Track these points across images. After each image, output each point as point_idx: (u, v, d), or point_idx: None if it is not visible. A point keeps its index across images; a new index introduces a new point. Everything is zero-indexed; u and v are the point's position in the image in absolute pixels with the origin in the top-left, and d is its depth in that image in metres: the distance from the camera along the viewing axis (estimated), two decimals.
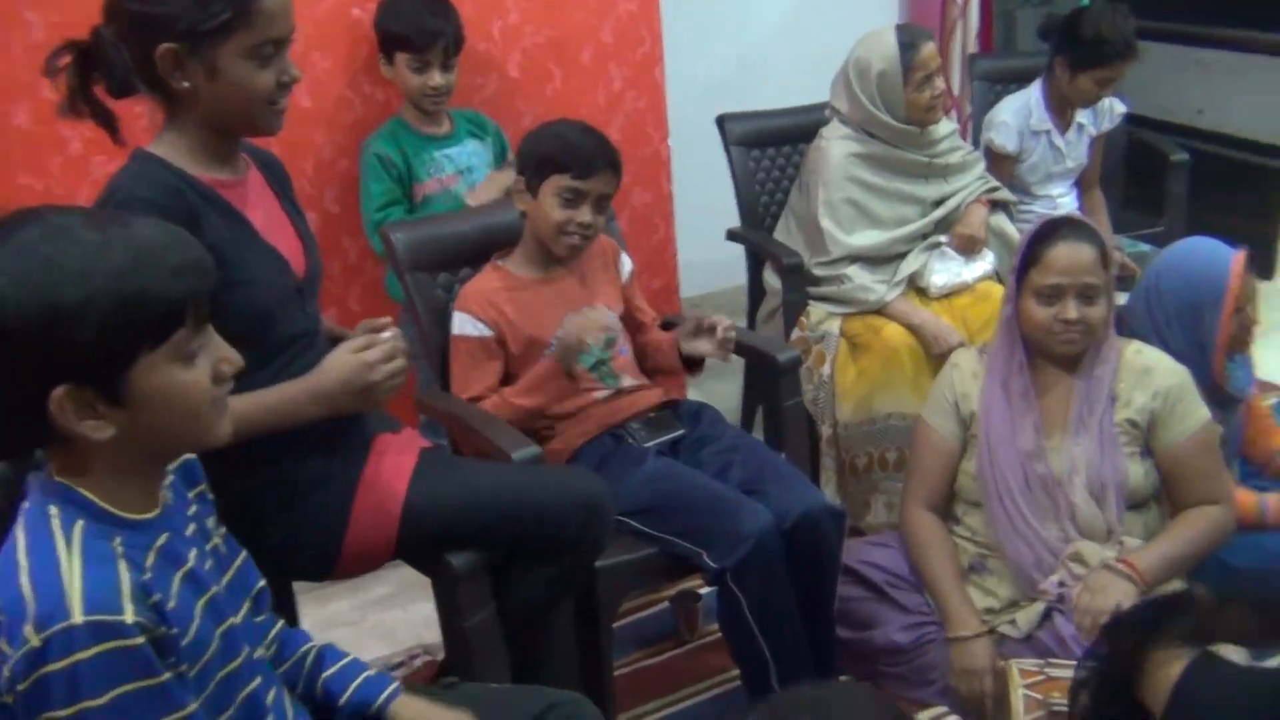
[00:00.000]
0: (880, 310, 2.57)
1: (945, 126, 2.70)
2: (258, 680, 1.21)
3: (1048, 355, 2.00)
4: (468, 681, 1.53)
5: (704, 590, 2.31)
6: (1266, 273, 4.10)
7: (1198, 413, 1.94)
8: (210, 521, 1.26)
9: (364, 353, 1.57)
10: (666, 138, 2.81)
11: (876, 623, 2.08)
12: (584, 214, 2.00)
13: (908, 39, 2.54)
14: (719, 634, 2.01)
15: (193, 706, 1.07)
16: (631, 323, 2.22)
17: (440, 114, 2.53)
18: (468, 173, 2.55)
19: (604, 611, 1.91)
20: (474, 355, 2.02)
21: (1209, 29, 4.12)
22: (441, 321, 2.09)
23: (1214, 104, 4.12)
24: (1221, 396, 2.08)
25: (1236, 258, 2.02)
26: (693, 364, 2.21)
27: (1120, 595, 1.80)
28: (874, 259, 2.61)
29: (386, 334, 1.61)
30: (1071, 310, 1.91)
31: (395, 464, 1.70)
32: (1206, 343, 2.03)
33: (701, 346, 2.12)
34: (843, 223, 2.58)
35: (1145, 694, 1.13)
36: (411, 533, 1.66)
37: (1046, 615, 1.93)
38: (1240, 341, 2.05)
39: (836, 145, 2.59)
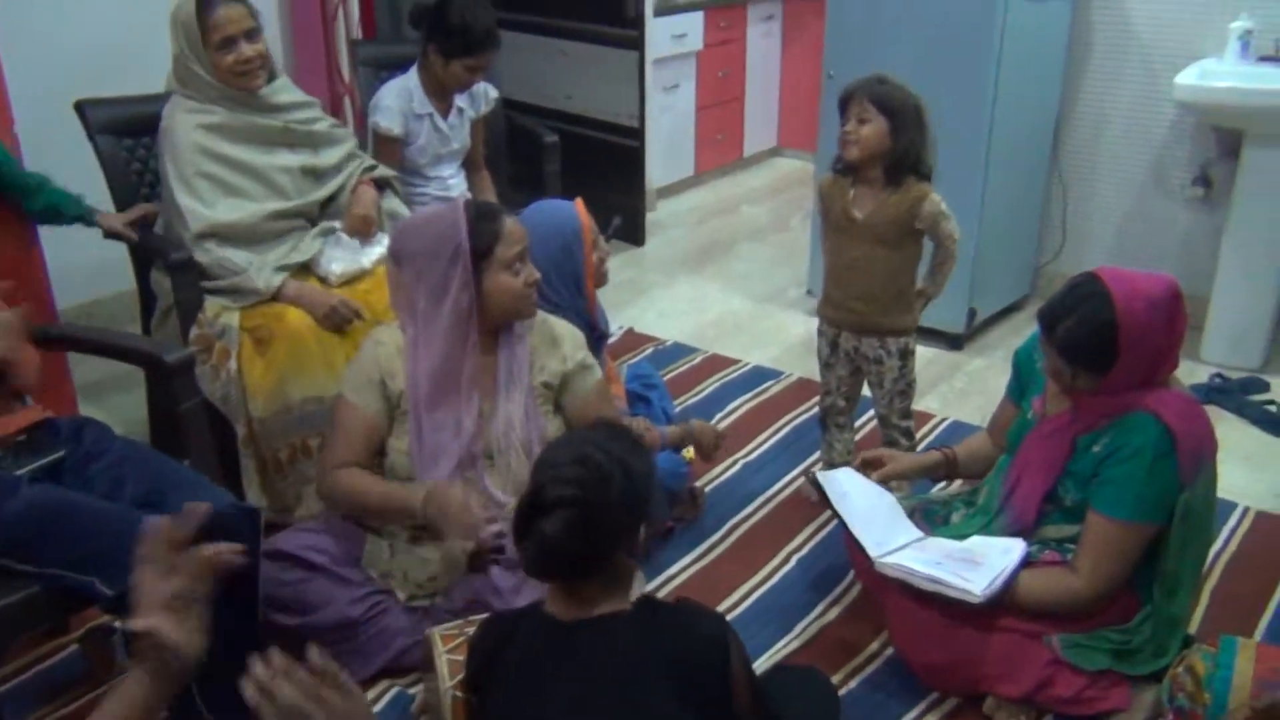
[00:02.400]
0: (276, 297, 2.51)
1: (287, 92, 2.65)
2: None
3: (496, 326, 2.11)
4: None
5: (120, 624, 2.10)
6: (639, 239, 4.68)
7: (596, 372, 2.22)
8: None
9: None
10: (13, 125, 2.47)
11: (326, 601, 2.08)
12: None
13: None
14: None
15: None
16: None
17: None
18: None
19: None
20: None
21: (565, 22, 4.57)
22: None
23: (579, 90, 4.59)
24: (596, 335, 2.39)
25: (576, 203, 2.37)
26: None
27: None
28: (252, 238, 2.54)
29: None
30: (533, 272, 2.08)
31: None
32: (579, 278, 2.34)
33: None
34: (202, 196, 2.47)
35: None
36: None
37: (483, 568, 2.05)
38: (600, 275, 2.40)
39: (180, 118, 2.49)
